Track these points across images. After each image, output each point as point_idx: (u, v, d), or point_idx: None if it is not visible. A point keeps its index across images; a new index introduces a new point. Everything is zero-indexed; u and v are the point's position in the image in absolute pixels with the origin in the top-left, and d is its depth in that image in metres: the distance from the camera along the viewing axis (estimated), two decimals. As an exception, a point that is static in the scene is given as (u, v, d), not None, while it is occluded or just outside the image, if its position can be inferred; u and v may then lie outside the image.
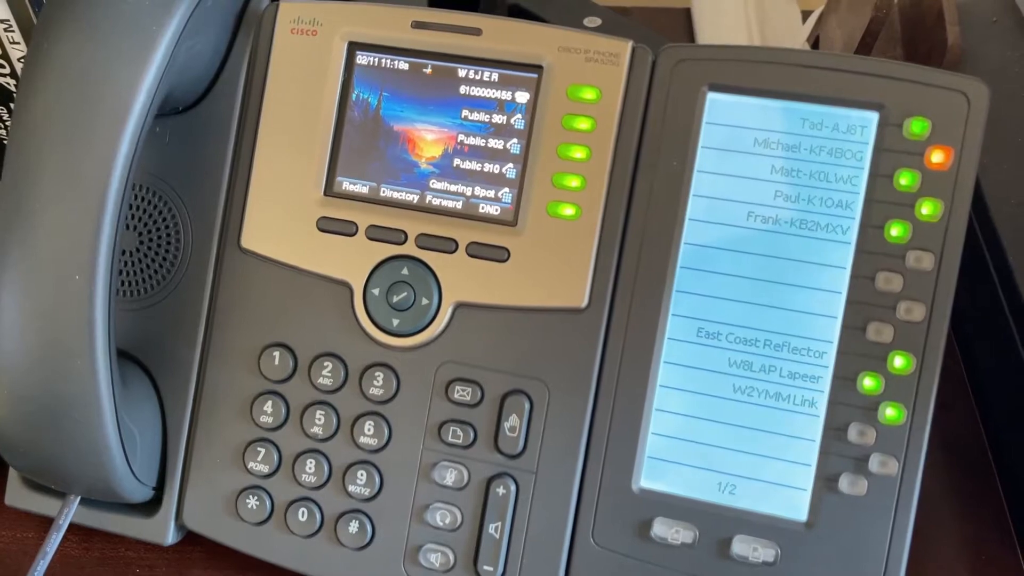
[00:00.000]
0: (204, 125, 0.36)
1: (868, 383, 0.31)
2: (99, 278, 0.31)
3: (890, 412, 0.31)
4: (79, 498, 0.35)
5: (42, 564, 0.34)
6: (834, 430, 0.31)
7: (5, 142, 0.50)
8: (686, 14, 0.64)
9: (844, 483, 0.31)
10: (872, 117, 0.31)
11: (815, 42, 0.57)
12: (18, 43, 0.46)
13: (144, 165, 0.36)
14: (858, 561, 0.31)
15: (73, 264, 0.30)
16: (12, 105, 0.49)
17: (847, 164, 0.32)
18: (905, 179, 0.31)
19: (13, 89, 0.48)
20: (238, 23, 0.36)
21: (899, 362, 0.31)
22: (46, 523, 0.36)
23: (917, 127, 0.31)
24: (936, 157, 0.31)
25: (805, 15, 0.61)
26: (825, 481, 0.31)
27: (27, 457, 0.33)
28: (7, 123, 0.50)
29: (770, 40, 0.59)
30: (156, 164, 0.36)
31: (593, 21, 0.54)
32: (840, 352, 0.31)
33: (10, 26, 0.45)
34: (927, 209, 0.31)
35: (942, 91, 0.31)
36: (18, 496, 0.37)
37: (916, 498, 0.31)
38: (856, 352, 0.31)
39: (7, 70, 0.47)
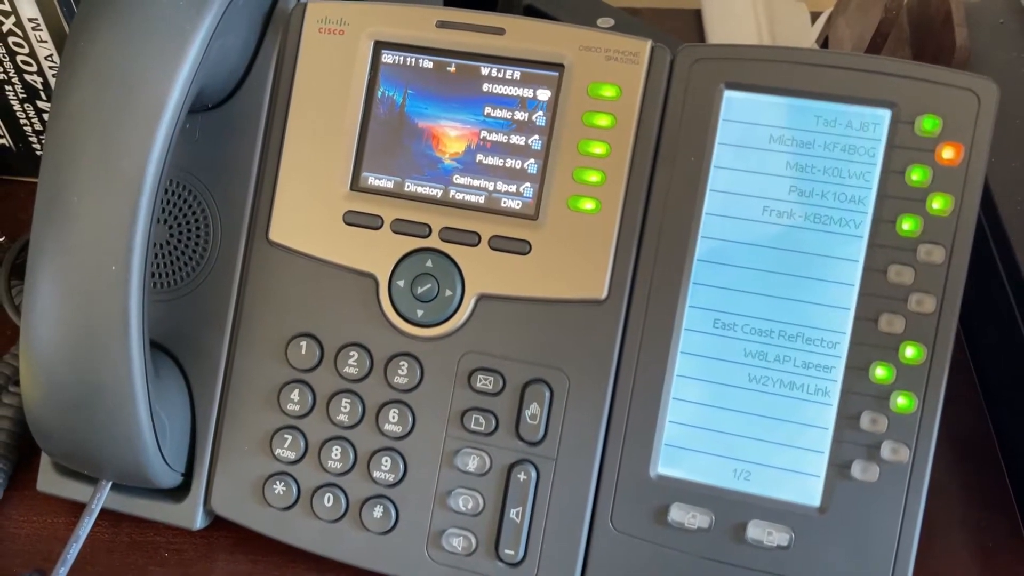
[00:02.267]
0: (233, 121, 0.37)
1: (880, 373, 0.32)
2: (134, 269, 0.32)
3: (901, 401, 0.32)
4: (110, 483, 0.36)
5: (74, 548, 0.35)
6: (847, 418, 0.32)
7: (31, 138, 0.52)
8: (696, 15, 0.65)
9: (856, 470, 0.32)
10: (884, 115, 0.32)
11: (824, 43, 0.58)
12: (45, 42, 0.47)
13: (175, 160, 0.36)
14: (870, 545, 0.32)
15: (110, 255, 0.31)
16: (39, 103, 0.50)
17: (860, 160, 0.33)
18: (916, 175, 0.32)
19: (40, 87, 0.49)
20: (267, 22, 0.37)
21: (910, 352, 0.32)
22: (76, 509, 0.36)
23: (928, 124, 0.32)
24: (947, 153, 0.32)
25: (814, 16, 0.61)
26: (838, 468, 0.32)
27: (61, 443, 0.34)
28: (32, 119, 0.51)
29: (780, 41, 0.60)
30: (187, 159, 0.37)
31: (606, 22, 0.55)
32: (853, 343, 0.32)
33: (38, 24, 0.46)
34: (938, 204, 0.32)
35: (953, 89, 0.32)
36: (50, 482, 0.38)
37: (926, 484, 0.32)
38: (868, 343, 0.32)
39: (34, 68, 0.48)
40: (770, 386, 0.33)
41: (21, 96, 0.49)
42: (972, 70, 0.48)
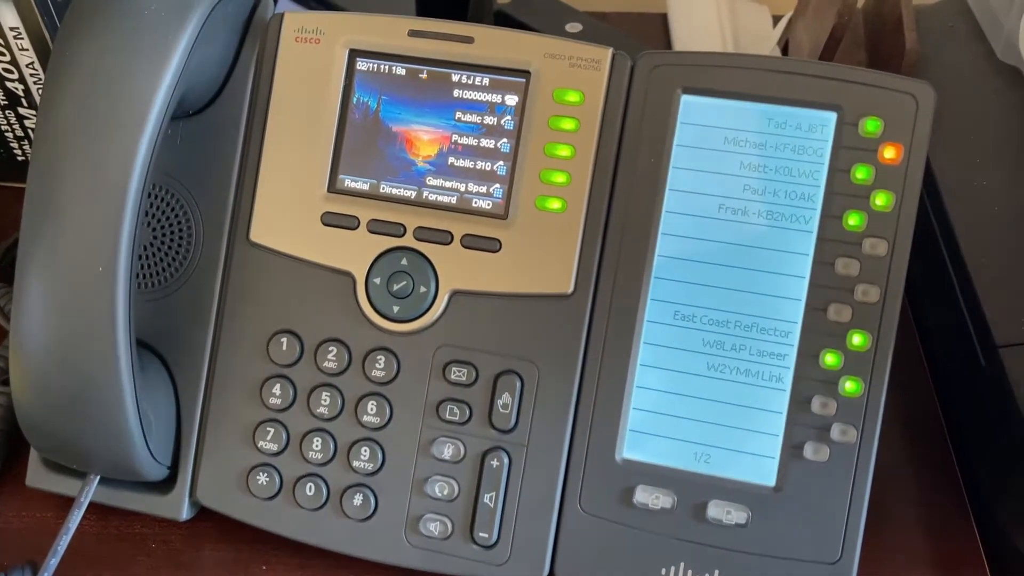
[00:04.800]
0: (214, 127, 0.38)
1: (829, 359, 0.34)
2: (120, 270, 0.33)
3: (849, 385, 0.34)
4: (98, 477, 0.37)
5: (64, 539, 0.36)
6: (799, 402, 0.34)
7: (12, 144, 0.52)
8: (662, 19, 0.67)
9: (808, 451, 0.34)
10: (831, 117, 0.34)
11: (785, 46, 0.60)
12: (27, 50, 0.48)
13: (158, 165, 0.38)
14: (822, 520, 0.34)
15: (97, 257, 0.32)
16: (20, 110, 0.51)
17: (809, 160, 0.35)
18: (861, 173, 0.34)
19: (21, 94, 0.50)
20: (245, 32, 0.38)
21: (857, 340, 0.34)
22: (65, 503, 0.38)
23: (871, 126, 0.34)
24: (888, 153, 0.34)
25: (776, 20, 0.63)
26: (791, 449, 0.34)
27: (50, 438, 0.35)
28: (13, 126, 0.52)
29: (742, 44, 0.62)
30: (169, 164, 0.38)
31: (574, 27, 0.57)
32: (804, 331, 0.34)
33: (19, 33, 0.47)
34: (880, 200, 0.34)
35: (893, 93, 0.34)
36: (39, 477, 0.39)
37: (873, 463, 0.34)
38: (818, 331, 0.34)
39: (16, 75, 0.49)
40: (727, 373, 0.35)
41: (2, 103, 0.50)
42: (922, 73, 0.51)
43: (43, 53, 0.48)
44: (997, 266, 0.41)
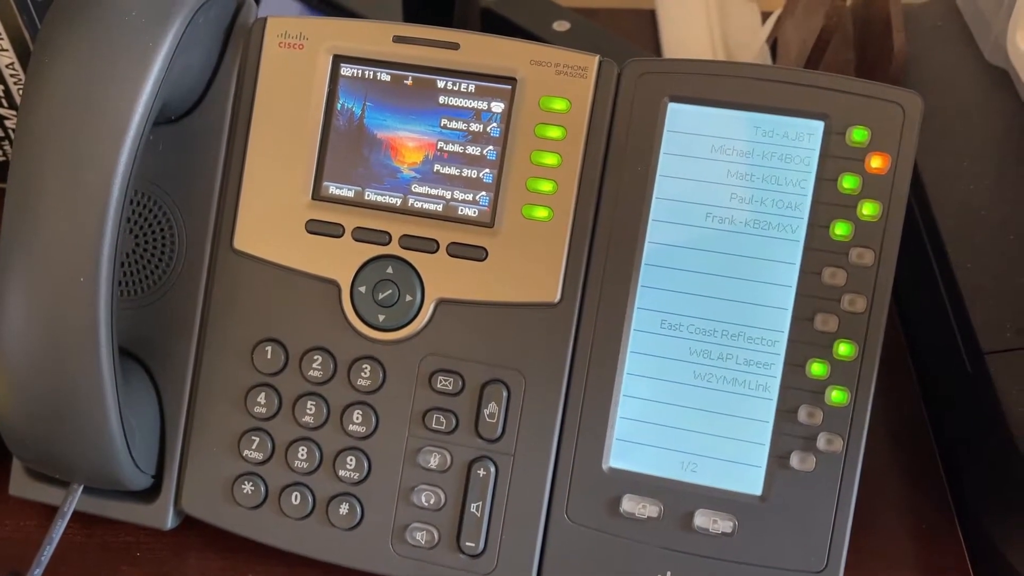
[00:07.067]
0: (196, 133, 0.38)
1: (816, 369, 0.34)
2: (102, 280, 0.32)
3: (835, 395, 0.34)
4: (82, 487, 0.37)
5: (48, 549, 0.36)
6: (785, 412, 0.34)
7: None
8: (651, 15, 0.67)
9: (794, 460, 0.34)
10: (818, 126, 0.34)
11: (774, 44, 0.60)
12: (7, 50, 0.47)
13: (140, 172, 0.37)
14: (808, 530, 0.34)
15: (78, 267, 0.32)
16: (0, 110, 0.50)
17: (796, 168, 0.35)
18: (848, 183, 0.34)
19: (1, 95, 0.49)
20: (227, 37, 0.38)
21: (843, 349, 0.34)
22: (48, 512, 0.37)
23: (858, 135, 0.34)
24: (875, 162, 0.34)
25: (765, 16, 0.63)
26: (777, 458, 0.34)
27: (34, 449, 0.35)
28: (-7, 126, 0.51)
29: (730, 41, 0.62)
30: (151, 171, 0.38)
31: (562, 25, 0.56)
32: (790, 341, 0.34)
33: (-2, 33, 0.47)
34: (867, 210, 0.34)
35: (880, 102, 0.34)
36: (21, 486, 0.39)
37: (859, 472, 0.34)
38: (805, 341, 0.34)
39: (-5, 75, 0.48)
40: (714, 382, 0.35)
41: (-18, 104, 0.50)
42: (910, 74, 0.50)
43: (23, 54, 0.47)
44: (984, 271, 0.41)
